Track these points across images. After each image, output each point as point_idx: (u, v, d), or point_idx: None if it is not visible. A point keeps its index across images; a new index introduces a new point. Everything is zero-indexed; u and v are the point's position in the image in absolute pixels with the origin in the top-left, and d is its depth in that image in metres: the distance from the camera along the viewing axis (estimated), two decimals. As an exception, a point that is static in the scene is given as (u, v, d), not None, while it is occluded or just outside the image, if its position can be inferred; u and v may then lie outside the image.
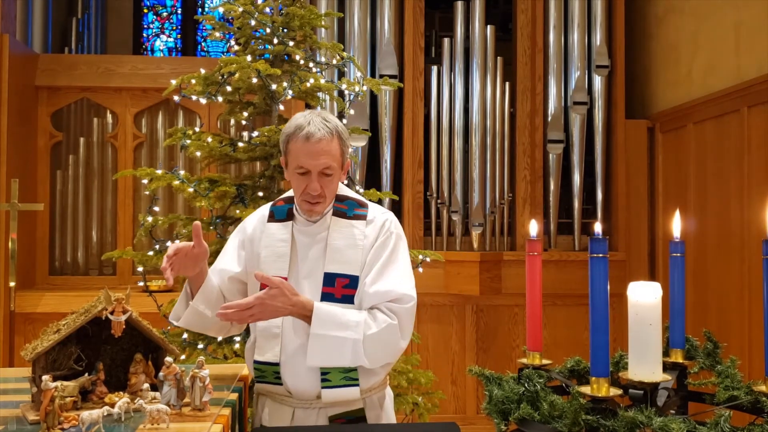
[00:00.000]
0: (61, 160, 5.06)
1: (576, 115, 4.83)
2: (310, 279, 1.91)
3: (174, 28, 7.47)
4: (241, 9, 3.25)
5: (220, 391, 1.85)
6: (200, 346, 3.06)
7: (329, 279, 1.88)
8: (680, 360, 1.68)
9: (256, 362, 1.91)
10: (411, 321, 1.89)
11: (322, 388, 1.85)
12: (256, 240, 1.99)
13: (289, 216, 1.98)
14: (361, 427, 1.90)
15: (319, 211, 1.92)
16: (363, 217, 1.97)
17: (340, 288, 1.88)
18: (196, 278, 1.90)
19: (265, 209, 2.06)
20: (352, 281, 1.89)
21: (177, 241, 3.25)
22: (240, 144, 3.20)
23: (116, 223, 5.02)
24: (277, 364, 1.88)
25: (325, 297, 1.87)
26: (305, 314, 1.80)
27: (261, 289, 1.82)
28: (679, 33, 4.57)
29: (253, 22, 3.27)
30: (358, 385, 1.87)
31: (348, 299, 1.87)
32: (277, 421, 1.90)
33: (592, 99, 4.86)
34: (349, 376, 1.85)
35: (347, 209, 1.97)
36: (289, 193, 2.04)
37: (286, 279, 1.87)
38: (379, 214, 1.99)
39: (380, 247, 1.92)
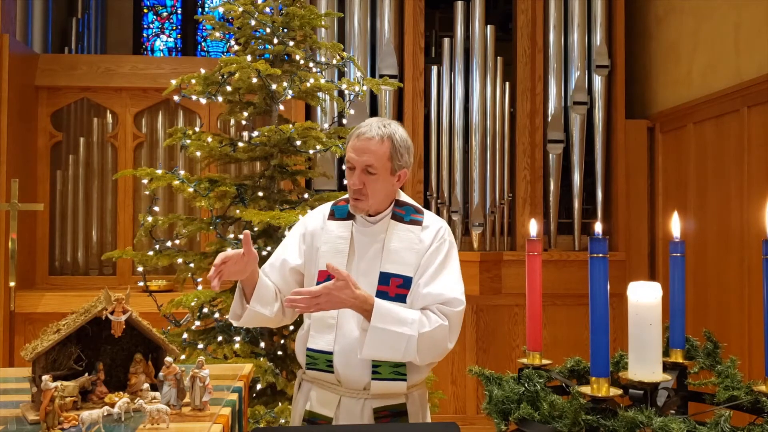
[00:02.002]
0: (61, 160, 5.05)
1: (576, 115, 4.82)
2: (367, 277, 1.99)
3: (174, 28, 7.47)
4: (241, 9, 3.24)
5: (220, 391, 1.85)
6: (200, 346, 3.06)
7: (384, 278, 1.99)
8: (680, 360, 1.68)
9: (309, 350, 2.00)
10: (459, 324, 2.00)
11: (372, 379, 1.95)
12: (316, 235, 2.10)
13: (350, 215, 2.09)
14: (362, 427, 1.92)
15: (361, 208, 2.02)
16: (419, 223, 2.07)
17: (395, 287, 1.98)
18: (248, 279, 1.98)
19: (326, 207, 2.17)
20: (406, 282, 1.99)
21: (176, 241, 3.26)
22: (240, 144, 3.20)
23: (116, 223, 5.02)
24: (330, 353, 1.97)
25: (380, 295, 1.96)
26: (365, 308, 1.89)
27: (318, 283, 1.95)
28: (679, 33, 4.57)
29: (253, 22, 3.27)
30: (405, 380, 1.98)
31: (401, 298, 1.97)
32: (324, 405, 2.00)
33: (592, 99, 4.86)
34: (398, 371, 1.96)
35: (404, 214, 2.08)
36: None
37: None
38: (434, 222, 2.10)
39: (434, 252, 2.02)
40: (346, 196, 2.14)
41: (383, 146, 1.98)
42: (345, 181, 2.19)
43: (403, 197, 2.13)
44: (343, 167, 2.05)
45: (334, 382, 2.00)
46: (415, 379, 2.02)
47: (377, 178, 1.99)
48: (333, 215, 2.11)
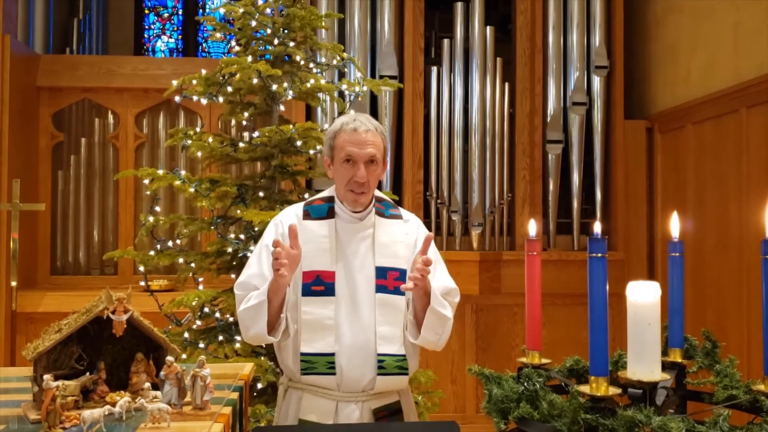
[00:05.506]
0: (62, 161, 5.06)
1: (575, 116, 4.83)
2: (362, 272, 2.01)
3: (175, 29, 7.47)
4: (241, 10, 3.25)
5: (221, 390, 1.86)
6: (201, 345, 3.06)
7: (382, 272, 2.00)
8: (679, 359, 1.68)
9: (304, 354, 1.95)
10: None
11: (378, 375, 1.94)
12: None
13: (329, 214, 2.07)
14: (363, 427, 1.92)
15: (363, 202, 2.03)
16: (399, 217, 2.12)
17: (392, 280, 2.00)
18: (281, 288, 1.91)
19: (297, 209, 2.13)
20: (402, 274, 2.01)
21: (177, 241, 3.26)
22: (241, 144, 3.21)
23: (117, 223, 5.02)
24: (332, 354, 1.94)
25: (380, 289, 1.98)
26: (428, 289, 1.94)
27: (304, 284, 1.95)
28: (678, 33, 4.57)
29: (253, 23, 3.28)
30: (407, 373, 1.99)
31: (400, 291, 1.98)
32: (321, 415, 1.96)
33: (591, 99, 4.87)
34: (400, 365, 1.97)
35: (384, 209, 2.11)
36: (325, 192, 2.13)
37: (334, 273, 1.98)
38: (411, 215, 2.17)
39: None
40: (322, 195, 2.13)
41: (378, 138, 2.03)
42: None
43: (377, 192, 2.13)
44: (345, 160, 1.99)
45: (331, 387, 1.96)
46: (412, 368, 2.03)
47: (376, 168, 2.02)
48: (308, 215, 2.07)
